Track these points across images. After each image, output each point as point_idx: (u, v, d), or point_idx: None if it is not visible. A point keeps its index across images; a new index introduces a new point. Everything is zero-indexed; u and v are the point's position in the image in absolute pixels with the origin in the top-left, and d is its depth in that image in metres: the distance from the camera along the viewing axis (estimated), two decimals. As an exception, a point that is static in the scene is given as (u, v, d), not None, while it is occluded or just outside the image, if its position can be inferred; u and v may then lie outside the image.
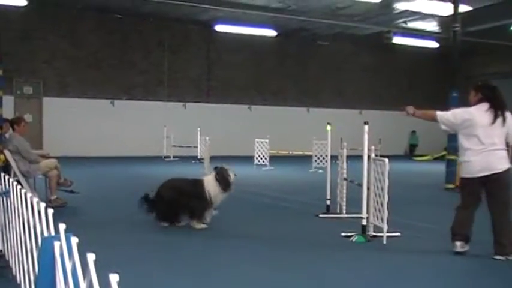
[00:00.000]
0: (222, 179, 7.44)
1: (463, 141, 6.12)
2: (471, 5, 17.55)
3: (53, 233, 2.57)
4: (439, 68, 27.51)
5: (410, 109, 6.54)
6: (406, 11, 20.09)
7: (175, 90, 24.53)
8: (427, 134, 28.66)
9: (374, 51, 28.41)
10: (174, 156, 21.29)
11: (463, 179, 6.23)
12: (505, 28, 20.95)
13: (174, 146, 21.28)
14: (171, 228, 7.33)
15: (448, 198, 12.15)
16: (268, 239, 6.99)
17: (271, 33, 23.78)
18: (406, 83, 29.89)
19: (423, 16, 20.94)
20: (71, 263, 2.04)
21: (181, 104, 24.55)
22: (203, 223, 7.44)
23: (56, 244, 2.21)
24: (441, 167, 14.20)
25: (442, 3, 17.42)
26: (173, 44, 24.45)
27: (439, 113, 6.41)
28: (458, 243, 6.10)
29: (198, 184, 7.51)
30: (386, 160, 6.56)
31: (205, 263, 5.65)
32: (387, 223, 6.61)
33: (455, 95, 13.40)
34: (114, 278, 1.63)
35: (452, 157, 13.41)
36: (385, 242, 6.59)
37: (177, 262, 5.68)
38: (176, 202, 7.36)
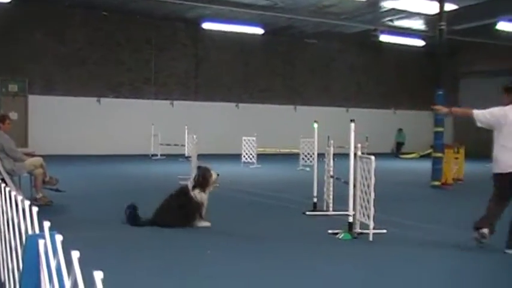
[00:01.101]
0: (203, 179, 7.46)
1: (498, 138, 6.39)
2: (457, 4, 17.64)
3: (37, 231, 2.55)
4: (426, 66, 27.69)
5: (444, 108, 6.78)
6: (393, 9, 20.16)
7: (162, 88, 24.45)
8: (413, 132, 28.90)
9: (361, 50, 28.53)
10: (161, 155, 21.22)
11: (494, 174, 6.47)
12: (490, 26, 21.11)
13: (161, 144, 21.20)
14: (157, 227, 7.29)
15: (433, 195, 12.28)
16: (256, 237, 7.00)
17: (259, 31, 23.77)
18: (392, 81, 30.04)
19: (409, 14, 21.02)
20: (55, 261, 2.03)
21: (168, 102, 24.48)
22: (204, 221, 7.45)
23: (41, 242, 2.19)
24: (427, 165, 14.29)
25: (428, 1, 17.49)
26: (160, 42, 24.35)
27: (475, 111, 6.66)
28: (485, 231, 6.25)
29: (182, 192, 7.52)
30: (373, 158, 6.60)
31: (192, 260, 5.65)
32: (373, 220, 6.64)
33: (440, 92, 13.48)
34: (98, 275, 1.63)
35: (438, 155, 13.51)
36: (371, 239, 6.62)
37: (163, 260, 5.67)
38: (171, 221, 7.31)
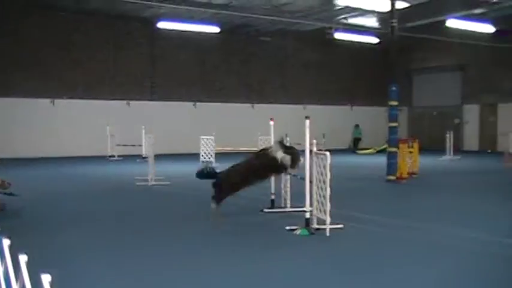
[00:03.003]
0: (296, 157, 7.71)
1: None
2: (409, 2, 18.01)
3: (-15, 236, 2.50)
4: (380, 62, 28.18)
5: None
6: (347, 7, 20.42)
7: (118, 88, 24.13)
8: (370, 128, 29.38)
9: (317, 47, 28.80)
10: (118, 156, 20.95)
11: None
12: (441, 24, 21.66)
13: (118, 145, 20.93)
14: (112, 229, 7.21)
15: (389, 190, 12.50)
16: (214, 235, 6.99)
17: (215, 29, 23.71)
18: (348, 78, 30.45)
19: (363, 12, 21.33)
20: (3, 266, 2.00)
21: (124, 102, 24.18)
22: None
23: (-12, 247, 2.15)
24: (383, 160, 14.53)
25: (380, -1, 17.78)
26: (116, 41, 24.02)
27: None
28: None
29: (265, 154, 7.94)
30: (328, 154, 6.69)
31: (149, 260, 5.59)
32: (330, 215, 6.73)
33: (394, 88, 13.74)
34: (46, 278, 1.61)
35: (392, 149, 13.75)
36: (328, 234, 6.71)
37: (111, 262, 5.60)
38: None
